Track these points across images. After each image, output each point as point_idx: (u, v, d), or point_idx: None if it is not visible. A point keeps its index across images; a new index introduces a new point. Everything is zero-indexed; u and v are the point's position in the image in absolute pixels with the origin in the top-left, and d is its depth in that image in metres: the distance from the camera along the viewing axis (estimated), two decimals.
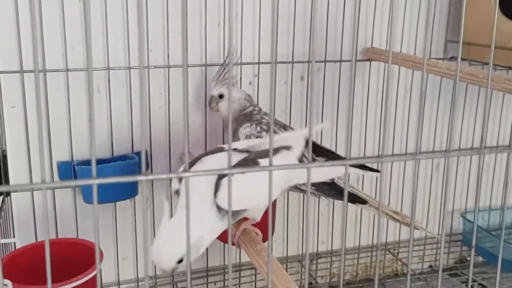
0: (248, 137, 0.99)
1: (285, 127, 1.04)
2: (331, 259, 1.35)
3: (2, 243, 0.88)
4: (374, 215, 1.35)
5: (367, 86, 1.27)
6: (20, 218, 1.07)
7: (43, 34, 1.01)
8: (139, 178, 0.44)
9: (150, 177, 0.45)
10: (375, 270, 0.52)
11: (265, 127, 1.00)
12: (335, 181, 0.94)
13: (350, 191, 0.97)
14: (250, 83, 1.18)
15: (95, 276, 0.79)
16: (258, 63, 1.17)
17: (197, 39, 1.12)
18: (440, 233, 1.44)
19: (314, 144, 1.01)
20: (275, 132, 0.99)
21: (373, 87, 1.27)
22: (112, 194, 1.04)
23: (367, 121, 1.29)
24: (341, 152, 1.26)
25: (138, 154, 1.12)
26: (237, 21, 1.13)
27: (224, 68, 1.03)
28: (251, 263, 1.27)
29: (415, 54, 1.27)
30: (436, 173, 1.40)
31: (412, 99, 1.31)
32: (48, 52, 1.02)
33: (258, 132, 1.00)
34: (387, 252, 1.40)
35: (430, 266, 1.46)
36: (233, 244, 0.88)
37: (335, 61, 1.22)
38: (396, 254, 1.41)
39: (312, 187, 0.95)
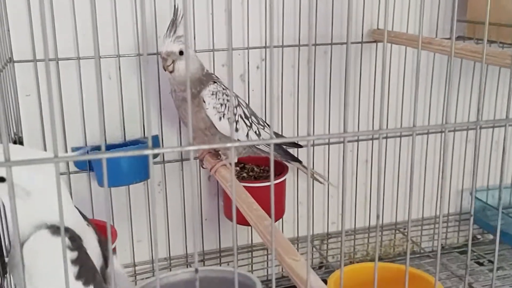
0: (214, 94, 0.98)
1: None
2: (341, 239, 1.37)
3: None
4: (384, 196, 1.37)
5: (374, 67, 1.28)
6: None
7: (55, 22, 1.03)
8: (146, 152, 0.47)
9: (156, 150, 0.47)
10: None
11: (225, 86, 1.01)
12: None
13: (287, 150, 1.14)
14: (257, 67, 1.20)
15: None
16: (265, 47, 1.18)
17: (205, 24, 1.14)
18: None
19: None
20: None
21: (380, 68, 1.28)
22: (125, 177, 1.07)
23: (374, 102, 1.30)
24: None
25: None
26: (244, 5, 1.15)
27: (175, 22, 0.95)
28: (263, 243, 1.30)
29: (421, 34, 1.27)
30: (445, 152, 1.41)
31: (419, 78, 1.31)
32: (60, 40, 1.05)
33: (223, 89, 1.00)
34: (397, 231, 1.42)
35: (440, 244, 1.48)
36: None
37: (341, 43, 1.24)
38: (406, 233, 1.43)
39: (268, 146, 1.05)
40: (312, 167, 1.28)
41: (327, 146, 1.30)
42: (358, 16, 1.24)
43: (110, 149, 1.13)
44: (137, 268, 1.21)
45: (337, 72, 1.25)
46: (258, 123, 1.06)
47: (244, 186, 0.92)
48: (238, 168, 1.17)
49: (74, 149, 1.10)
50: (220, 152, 1.06)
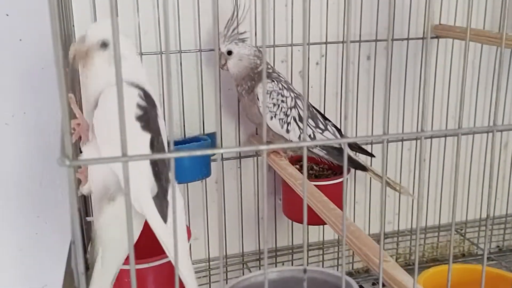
0: (268, 93, 1.00)
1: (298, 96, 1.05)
2: (397, 239, 1.35)
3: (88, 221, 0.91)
4: (441, 196, 1.34)
5: (435, 64, 1.25)
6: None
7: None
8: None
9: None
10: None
11: (285, 85, 1.02)
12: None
13: (353, 157, 1.10)
14: (317, 63, 1.18)
15: None
16: (326, 42, 1.16)
17: (265, 20, 1.12)
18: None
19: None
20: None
21: (441, 64, 1.25)
22: (187, 175, 1.06)
23: (434, 100, 1.27)
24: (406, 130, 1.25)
25: (209, 135, 1.13)
26: (305, 1, 1.13)
27: (232, 22, 1.00)
28: (318, 242, 1.28)
29: (484, 28, 1.24)
30: (505, 152, 1.37)
31: (481, 75, 1.28)
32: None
33: (280, 89, 1.01)
34: (454, 232, 1.39)
35: (498, 246, 1.44)
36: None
37: (402, 39, 1.21)
38: (463, 234, 1.39)
39: (323, 151, 1.04)
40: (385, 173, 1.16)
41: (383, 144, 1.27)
42: (420, 11, 1.21)
43: None
44: (193, 266, 1.20)
45: (397, 68, 1.23)
46: (317, 127, 1.04)
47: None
48: (297, 167, 1.15)
49: None
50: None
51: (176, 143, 1.10)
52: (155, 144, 0.64)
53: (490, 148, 1.36)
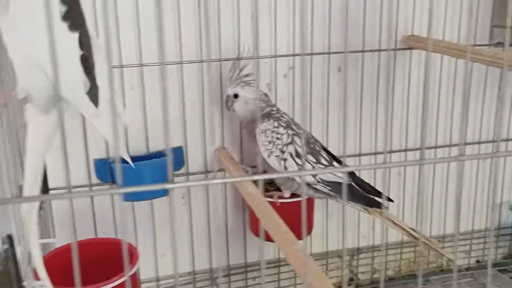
0: (263, 132, 1.00)
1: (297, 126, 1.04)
2: (372, 254, 1.32)
3: (41, 244, 0.88)
4: (418, 209, 1.31)
5: (408, 75, 1.22)
6: (59, 218, 1.08)
7: None
8: (167, 186, 0.43)
9: (177, 184, 0.43)
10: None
11: (283, 124, 1.00)
12: (352, 183, 1.01)
13: (365, 194, 1.01)
14: (285, 76, 1.15)
15: (133, 274, 0.79)
16: (293, 55, 1.14)
17: (230, 31, 1.10)
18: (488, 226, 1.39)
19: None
20: (296, 132, 1.01)
21: (415, 76, 1.22)
22: (151, 192, 1.04)
23: (409, 112, 1.24)
24: (381, 147, 1.22)
25: (174, 150, 1.11)
26: (271, 12, 1.11)
27: (237, 65, 1.01)
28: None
29: (459, 41, 1.21)
30: (483, 164, 1.34)
31: (457, 88, 1.25)
32: None
33: (274, 127, 1.00)
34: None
35: (478, 261, 1.41)
36: None
37: (373, 51, 1.18)
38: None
39: (328, 187, 0.99)
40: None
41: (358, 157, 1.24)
42: (391, 21, 1.18)
43: (133, 162, 1.10)
44: (160, 283, 1.18)
45: (369, 80, 1.20)
46: (318, 162, 1.01)
47: (270, 202, 0.88)
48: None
49: (97, 162, 1.08)
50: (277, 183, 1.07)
51: (140, 158, 1.08)
52: (84, 42, 0.58)
53: (469, 163, 1.33)
